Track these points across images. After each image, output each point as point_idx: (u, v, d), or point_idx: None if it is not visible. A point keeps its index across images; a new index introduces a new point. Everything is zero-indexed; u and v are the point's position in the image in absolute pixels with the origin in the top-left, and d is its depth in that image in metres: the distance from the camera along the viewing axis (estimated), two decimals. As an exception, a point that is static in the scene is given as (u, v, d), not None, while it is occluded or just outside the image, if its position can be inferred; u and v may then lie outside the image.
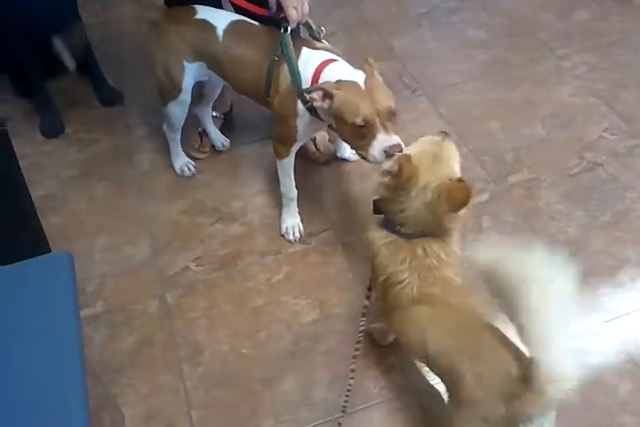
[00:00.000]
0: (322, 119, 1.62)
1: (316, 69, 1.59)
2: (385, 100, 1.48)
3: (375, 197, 1.34)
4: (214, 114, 2.20)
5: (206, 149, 2.20)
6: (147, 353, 1.68)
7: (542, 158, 2.05)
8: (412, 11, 2.78)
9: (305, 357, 1.64)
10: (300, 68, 1.60)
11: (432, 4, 2.83)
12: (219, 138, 2.20)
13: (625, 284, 1.69)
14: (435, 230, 1.29)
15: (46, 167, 2.20)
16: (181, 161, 2.14)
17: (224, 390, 1.59)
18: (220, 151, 2.21)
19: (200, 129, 2.19)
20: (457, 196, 1.22)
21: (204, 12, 1.77)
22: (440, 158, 1.29)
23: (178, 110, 1.94)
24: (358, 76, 1.52)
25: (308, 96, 1.53)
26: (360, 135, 1.49)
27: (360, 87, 1.49)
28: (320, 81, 1.56)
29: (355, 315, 1.70)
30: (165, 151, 2.20)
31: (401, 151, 1.43)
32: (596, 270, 1.71)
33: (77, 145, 2.28)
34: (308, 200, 2.01)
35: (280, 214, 1.95)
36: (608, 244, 1.78)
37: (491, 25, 2.64)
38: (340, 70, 1.58)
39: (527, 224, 1.86)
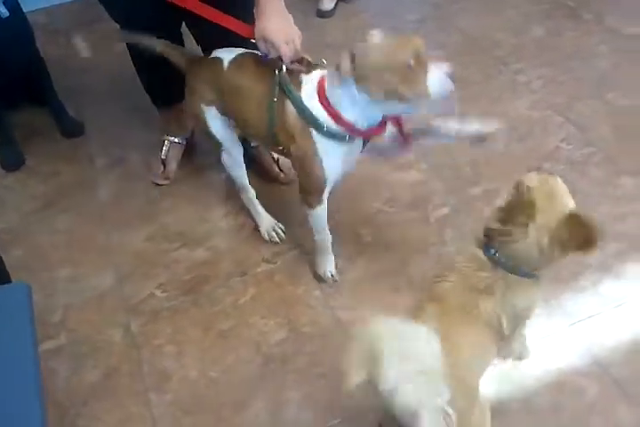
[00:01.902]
0: (340, 137, 1.46)
1: (318, 84, 1.45)
2: (414, 40, 1.34)
3: (490, 227, 1.20)
4: (175, 140, 2.21)
5: (170, 175, 2.20)
6: (113, 384, 1.64)
7: (501, 170, 2.08)
8: (373, 34, 2.85)
9: (275, 378, 1.61)
10: (305, 101, 1.45)
11: (391, 26, 2.90)
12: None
13: (587, 288, 1.70)
14: (529, 272, 1.20)
15: (6, 200, 2.19)
16: (267, 223, 1.96)
17: (193, 417, 1.56)
18: (185, 177, 2.21)
19: (162, 156, 2.20)
20: (583, 233, 1.11)
21: (219, 52, 1.65)
22: (555, 195, 1.20)
23: (228, 162, 1.81)
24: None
25: (336, 69, 1.35)
26: (413, 79, 1.32)
27: (381, 44, 1.35)
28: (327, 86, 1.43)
29: (323, 334, 1.69)
30: (128, 179, 2.20)
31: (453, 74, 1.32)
32: (559, 277, 1.73)
33: (38, 177, 2.27)
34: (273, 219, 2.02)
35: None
36: (569, 250, 1.80)
37: (448, 44, 2.70)
38: None
39: (489, 235, 1.88)
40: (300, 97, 1.46)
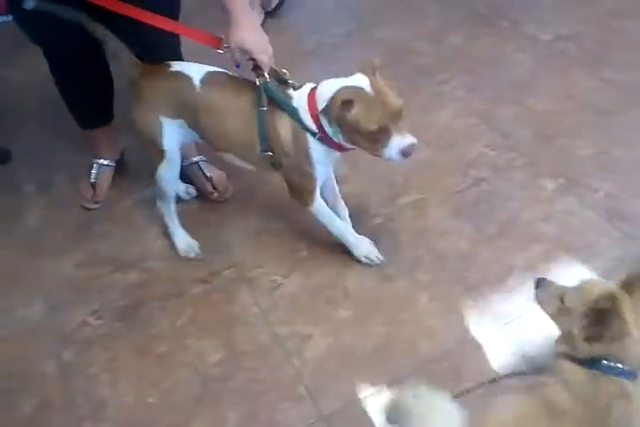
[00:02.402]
0: (333, 144, 1.60)
1: (308, 96, 1.56)
2: (394, 100, 1.49)
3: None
4: (105, 162, 2.18)
5: (100, 199, 2.16)
6: (46, 417, 1.59)
7: (429, 179, 2.13)
8: (303, 47, 2.90)
9: (213, 399, 1.59)
10: (295, 106, 1.57)
11: (318, 41, 2.95)
12: (180, 188, 2.07)
13: (515, 288, 1.75)
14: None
15: None
16: (184, 241, 1.95)
17: (131, 445, 1.53)
18: (116, 200, 2.17)
19: (92, 180, 2.16)
20: None
21: (178, 65, 1.70)
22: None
23: (166, 175, 1.79)
24: (359, 81, 1.50)
25: (327, 114, 1.49)
26: (375, 140, 1.51)
27: (367, 92, 1.48)
28: (317, 99, 1.53)
29: (262, 351, 1.69)
30: (57, 205, 2.15)
31: (413, 147, 1.51)
32: (487, 279, 1.77)
33: (-37, 207, 2.20)
34: (208, 238, 2.00)
35: None
36: (496, 253, 1.85)
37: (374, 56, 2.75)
38: (334, 82, 1.53)
39: (420, 242, 1.92)
40: (295, 108, 1.57)
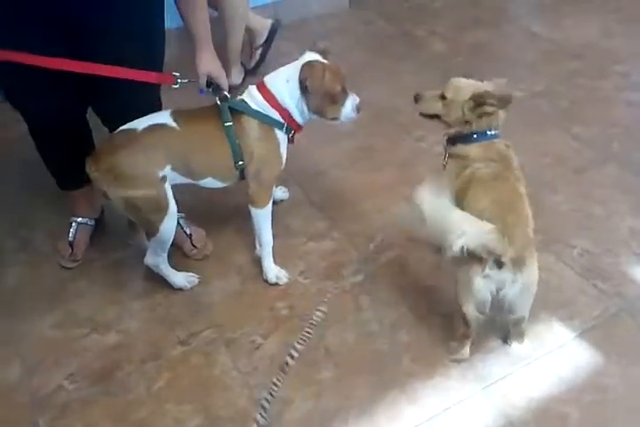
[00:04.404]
0: (294, 127, 1.86)
1: (258, 88, 1.81)
2: (340, 68, 1.83)
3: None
4: (83, 221, 2.17)
5: (78, 258, 2.14)
6: (16, 490, 1.53)
7: (409, 235, 2.15)
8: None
9: (192, 468, 1.55)
10: (262, 110, 1.80)
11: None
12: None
13: (496, 349, 1.75)
14: None
15: None
16: (180, 276, 2.00)
17: None
18: (94, 259, 2.15)
19: (70, 238, 2.14)
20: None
21: (148, 121, 1.75)
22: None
23: (171, 225, 1.82)
24: (314, 57, 1.82)
25: (311, 82, 1.75)
26: (336, 101, 1.82)
27: (326, 63, 1.81)
28: (269, 88, 1.80)
29: (241, 416, 1.65)
30: (34, 263, 2.13)
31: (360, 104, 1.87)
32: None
33: (-62, 266, 2.16)
34: (186, 298, 1.99)
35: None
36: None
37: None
38: (280, 70, 1.83)
39: (402, 299, 1.92)
40: (258, 109, 1.80)
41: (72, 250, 2.13)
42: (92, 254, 2.17)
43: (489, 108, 1.63)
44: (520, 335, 1.74)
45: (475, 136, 1.68)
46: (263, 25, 3.10)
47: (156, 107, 1.95)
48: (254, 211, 1.93)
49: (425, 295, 1.94)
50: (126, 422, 1.66)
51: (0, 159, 2.65)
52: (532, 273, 1.53)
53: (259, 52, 3.13)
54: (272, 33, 3.12)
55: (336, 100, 1.81)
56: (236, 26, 2.92)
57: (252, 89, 1.83)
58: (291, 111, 1.83)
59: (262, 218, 1.95)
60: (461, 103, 1.67)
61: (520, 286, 1.50)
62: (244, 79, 3.07)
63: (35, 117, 1.87)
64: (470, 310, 1.58)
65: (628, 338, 1.78)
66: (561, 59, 3.11)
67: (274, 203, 2.02)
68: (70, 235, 2.14)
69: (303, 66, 1.78)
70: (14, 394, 1.76)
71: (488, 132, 1.67)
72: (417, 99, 1.81)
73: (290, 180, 2.42)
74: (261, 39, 3.11)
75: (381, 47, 3.37)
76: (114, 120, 1.83)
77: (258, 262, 2.06)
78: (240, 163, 1.82)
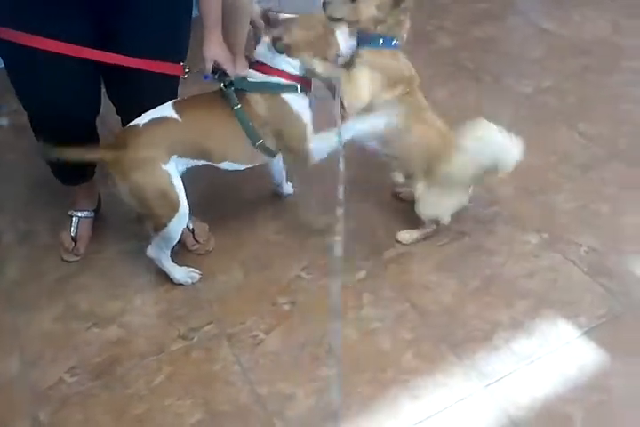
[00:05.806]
0: (305, 83, 1.83)
1: (255, 67, 1.81)
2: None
3: None
4: (83, 214, 2.16)
5: (80, 252, 2.13)
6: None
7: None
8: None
9: (191, 463, 1.54)
10: (262, 80, 1.80)
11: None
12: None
13: (500, 347, 1.73)
14: None
15: None
16: (182, 271, 1.99)
17: None
18: (96, 253, 2.14)
19: (72, 233, 2.13)
20: None
21: (152, 114, 1.75)
22: None
23: (179, 225, 1.81)
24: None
25: (276, 40, 1.76)
26: (325, 41, 1.78)
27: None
28: (257, 59, 1.82)
29: (242, 412, 1.64)
30: (36, 256, 2.12)
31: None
32: (471, 336, 1.76)
33: (-61, 258, 2.15)
34: (188, 292, 1.98)
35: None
36: (480, 309, 1.84)
37: None
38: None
39: (404, 297, 1.91)
40: (257, 82, 1.79)
41: (75, 244, 2.12)
42: (94, 248, 2.16)
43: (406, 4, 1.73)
44: None
45: (381, 41, 1.77)
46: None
47: (170, 95, 1.92)
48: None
49: (427, 291, 1.92)
50: (126, 416, 1.66)
51: (1, 151, 2.64)
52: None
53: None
54: (277, 26, 3.09)
55: (326, 39, 1.78)
56: (241, 19, 2.89)
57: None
58: (285, 69, 1.80)
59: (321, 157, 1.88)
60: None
61: None
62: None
63: (42, 110, 1.83)
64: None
65: (634, 337, 1.76)
66: (570, 54, 3.07)
67: (280, 198, 2.00)
68: (72, 229, 2.13)
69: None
70: (14, 387, 1.75)
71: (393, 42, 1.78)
72: (325, 4, 1.82)
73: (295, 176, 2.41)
74: (266, 33, 3.10)
75: (388, 42, 3.34)
76: (129, 107, 1.84)
77: (260, 257, 2.05)
78: (260, 142, 1.81)
